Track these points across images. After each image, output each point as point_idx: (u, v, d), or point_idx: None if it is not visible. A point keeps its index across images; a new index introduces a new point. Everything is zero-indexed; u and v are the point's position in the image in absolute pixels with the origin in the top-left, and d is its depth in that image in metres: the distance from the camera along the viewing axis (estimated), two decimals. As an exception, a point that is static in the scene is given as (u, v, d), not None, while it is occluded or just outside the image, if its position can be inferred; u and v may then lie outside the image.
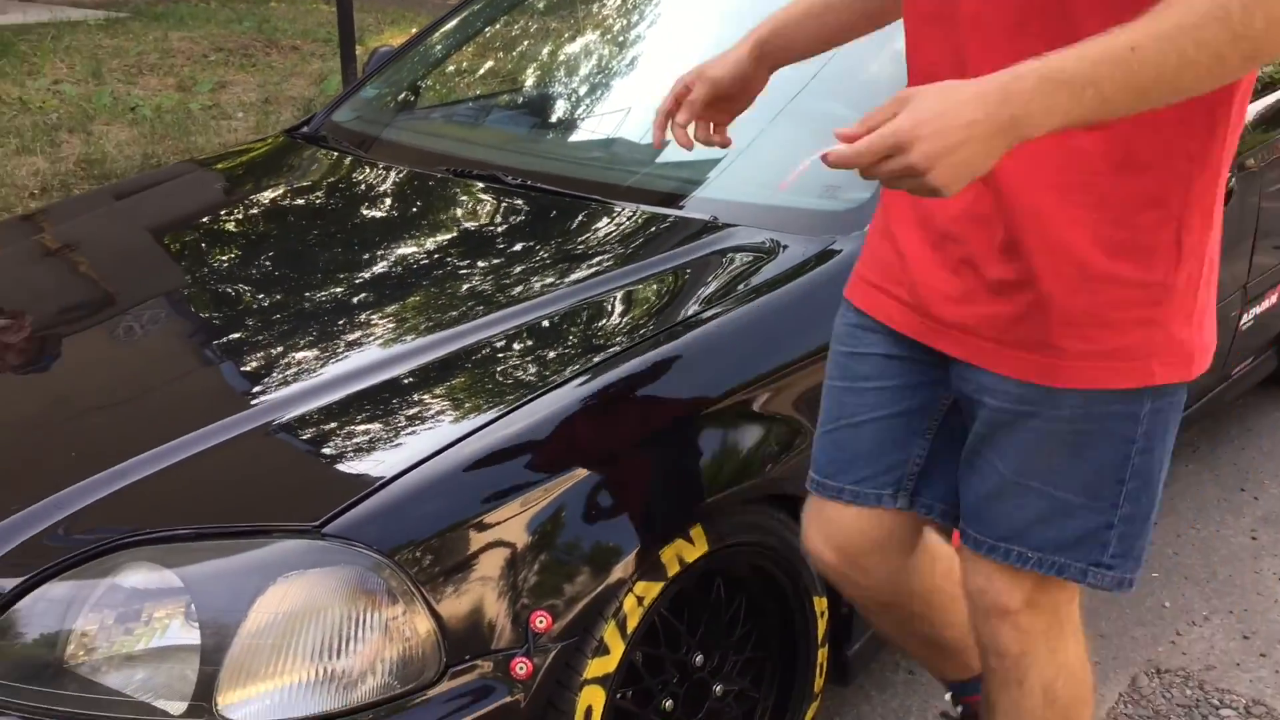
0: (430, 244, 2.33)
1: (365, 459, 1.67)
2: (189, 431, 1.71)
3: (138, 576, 1.52)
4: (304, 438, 1.71)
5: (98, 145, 5.88)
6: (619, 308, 2.01)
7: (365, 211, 2.54)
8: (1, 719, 1.50)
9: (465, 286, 2.10)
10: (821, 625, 2.00)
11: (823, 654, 2.02)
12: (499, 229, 2.36)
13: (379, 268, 2.24)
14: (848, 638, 2.09)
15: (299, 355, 1.93)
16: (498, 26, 3.36)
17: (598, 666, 1.65)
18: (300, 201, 2.66)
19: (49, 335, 2.12)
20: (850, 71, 2.52)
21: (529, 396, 1.72)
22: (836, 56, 2.52)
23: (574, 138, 2.78)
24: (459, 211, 2.45)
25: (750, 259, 2.07)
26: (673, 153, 2.54)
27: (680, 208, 2.26)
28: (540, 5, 3.36)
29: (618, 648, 1.66)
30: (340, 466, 1.67)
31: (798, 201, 2.21)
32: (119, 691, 1.48)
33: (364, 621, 1.50)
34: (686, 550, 1.74)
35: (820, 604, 1.98)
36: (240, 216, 2.63)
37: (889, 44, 2.58)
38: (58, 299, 2.28)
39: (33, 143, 5.85)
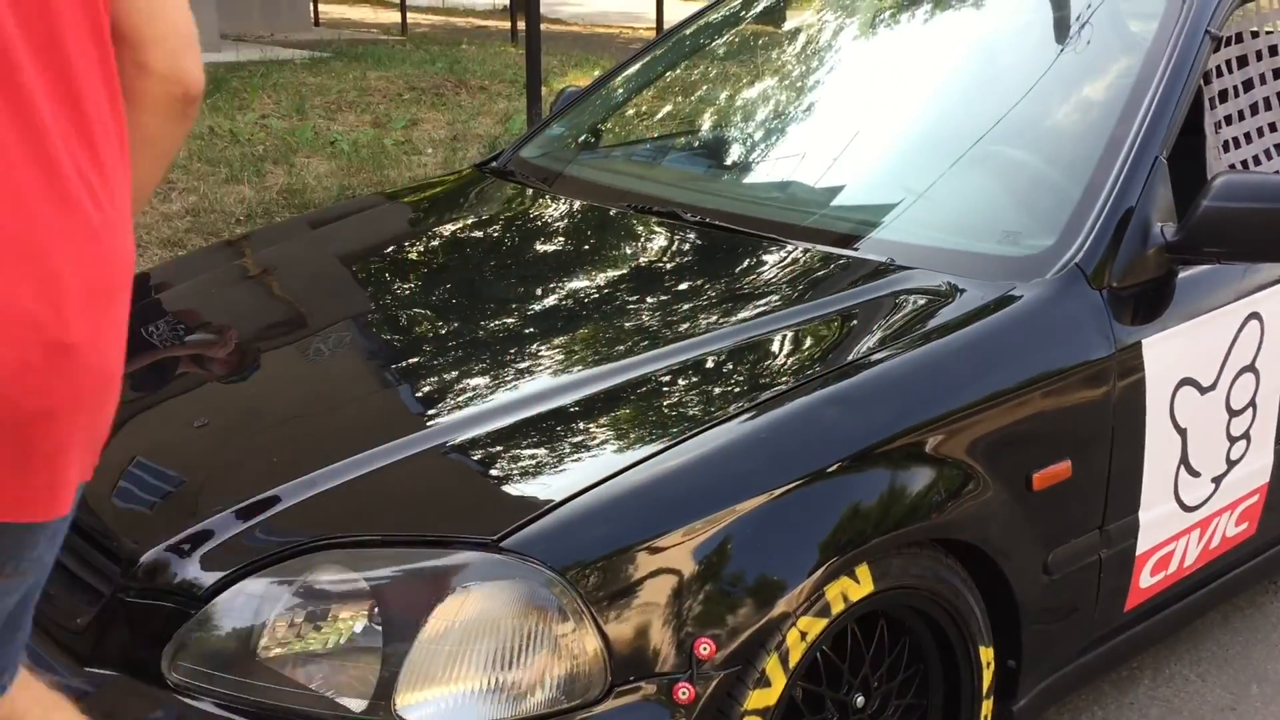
0: (605, 277, 2.40)
1: (538, 480, 1.73)
2: (373, 446, 1.80)
3: (328, 578, 1.61)
4: (478, 458, 1.78)
5: (299, 176, 6.23)
6: (790, 346, 2.03)
7: (545, 243, 2.64)
8: (197, 703, 1.60)
9: (642, 320, 2.16)
10: (987, 677, 1.96)
11: (987, 706, 1.98)
12: (673, 265, 2.41)
13: (553, 299, 2.32)
14: (1013, 692, 2.05)
15: (474, 380, 2.01)
16: (679, 70, 3.44)
17: (759, 698, 1.66)
18: (485, 232, 2.77)
19: (249, 351, 2.27)
20: (1033, 117, 2.49)
21: (699, 428, 1.76)
22: (1022, 101, 2.52)
23: (751, 178, 2.82)
24: (635, 246, 2.52)
25: (926, 302, 2.06)
26: (850, 194, 2.56)
27: (855, 249, 2.27)
28: (720, 51, 3.43)
29: (779, 681, 1.67)
30: (514, 486, 1.75)
31: (977, 246, 2.20)
32: (304, 686, 1.57)
33: (535, 636, 1.55)
34: (852, 589, 1.74)
35: (986, 654, 1.94)
36: (427, 246, 2.76)
37: (1074, 90, 2.56)
38: (256, 318, 2.43)
39: (240, 172, 6.24)
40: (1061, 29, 2.76)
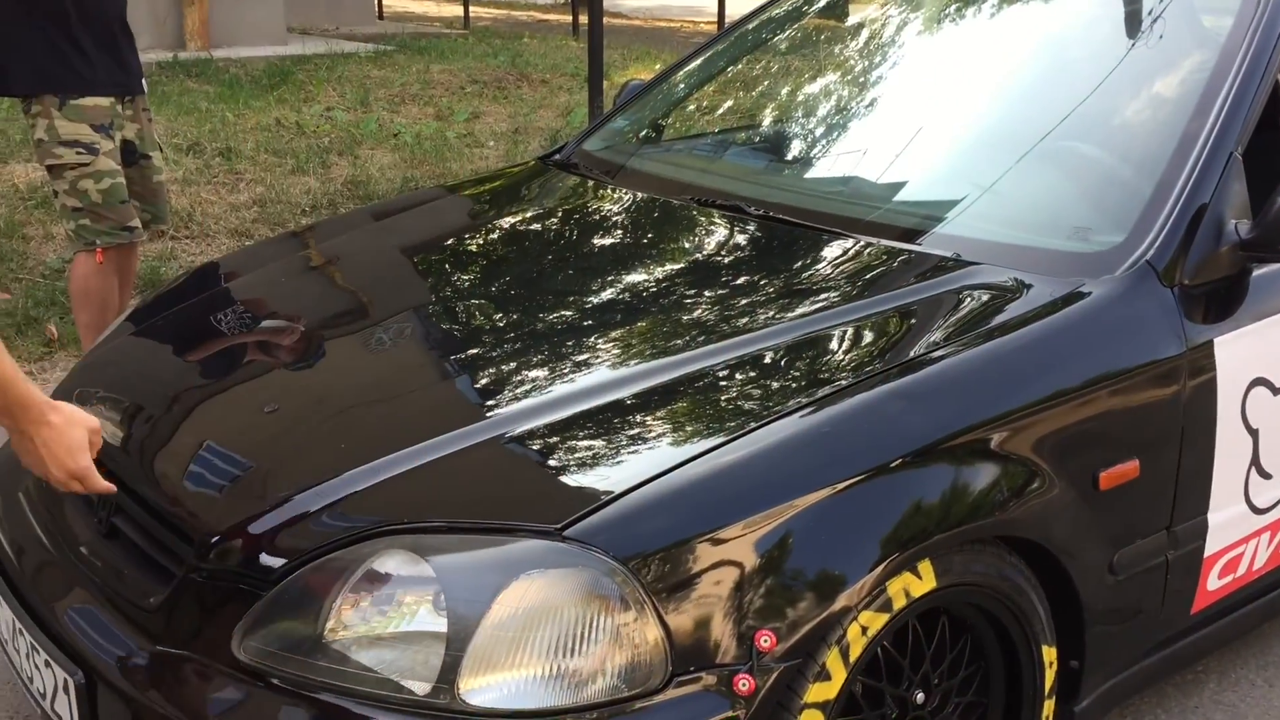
0: (665, 270, 2.40)
1: (600, 471, 1.74)
2: (435, 435, 1.82)
3: (393, 564, 1.63)
4: (541, 448, 1.80)
5: (363, 168, 6.30)
6: (854, 341, 2.02)
7: (606, 236, 2.65)
8: (265, 683, 1.63)
9: (709, 314, 2.16)
10: (1049, 676, 1.94)
11: (1049, 706, 1.96)
12: (735, 258, 2.41)
13: (614, 291, 2.33)
14: (1075, 693, 2.03)
15: (536, 372, 2.02)
16: (742, 65, 3.44)
17: (818, 691, 1.66)
18: (548, 224, 2.79)
19: (314, 339, 2.31)
20: (1103, 112, 2.46)
21: (761, 422, 1.76)
22: (1092, 96, 2.49)
23: (814, 172, 2.81)
24: (696, 239, 2.52)
25: (993, 297, 2.04)
26: (915, 189, 2.54)
27: (920, 244, 2.26)
28: (783, 45, 3.42)
29: (839, 675, 1.67)
30: (576, 476, 1.76)
31: (1045, 242, 2.17)
32: (369, 668, 1.60)
33: (597, 624, 1.56)
34: (914, 585, 1.73)
35: (1049, 654, 1.92)
36: (490, 238, 2.78)
37: (1146, 85, 2.52)
38: (321, 308, 2.47)
39: (306, 164, 6.32)
40: (1133, 23, 2.72)
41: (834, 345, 2.00)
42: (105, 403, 2.18)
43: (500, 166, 5.98)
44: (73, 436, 1.75)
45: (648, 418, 1.84)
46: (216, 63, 9.01)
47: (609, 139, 3.14)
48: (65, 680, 1.78)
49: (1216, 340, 2.05)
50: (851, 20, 3.43)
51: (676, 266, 2.41)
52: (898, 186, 2.53)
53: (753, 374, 1.93)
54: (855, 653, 1.68)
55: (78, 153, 3.35)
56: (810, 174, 2.81)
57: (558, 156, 3.11)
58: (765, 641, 1.59)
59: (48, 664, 1.82)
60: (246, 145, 6.58)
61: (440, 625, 1.57)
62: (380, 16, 13.53)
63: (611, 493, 1.65)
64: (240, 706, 1.63)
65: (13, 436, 1.74)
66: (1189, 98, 2.26)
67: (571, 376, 2.00)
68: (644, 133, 3.20)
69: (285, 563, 1.69)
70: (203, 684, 1.67)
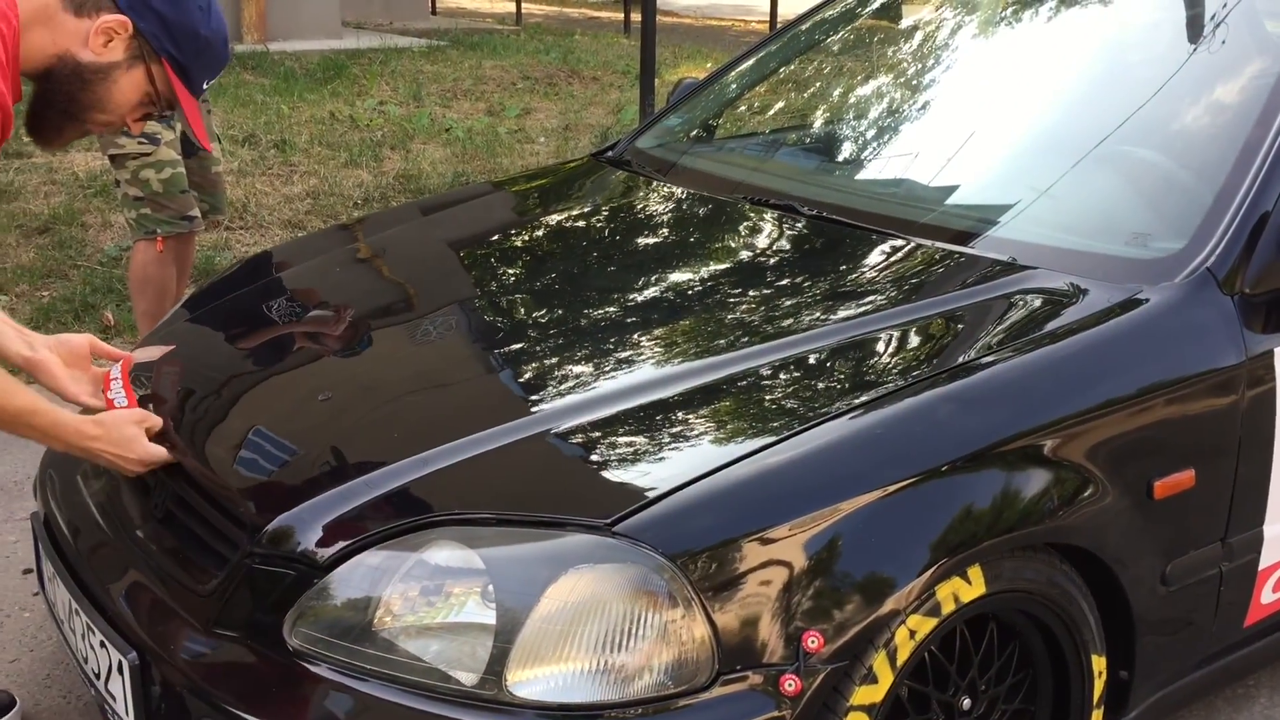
0: (714, 268, 2.40)
1: (650, 468, 1.75)
2: (483, 428, 1.83)
3: (443, 554, 1.64)
4: (590, 444, 1.81)
5: (415, 162, 6.35)
6: (907, 343, 2.02)
7: (656, 233, 2.65)
8: (315, 669, 1.65)
9: (759, 313, 2.15)
10: (1098, 686, 1.92)
11: (1097, 716, 1.94)
12: (785, 258, 2.40)
13: (661, 289, 2.33)
14: (1124, 703, 2.00)
15: (580, 368, 2.03)
16: (795, 65, 3.43)
17: (865, 694, 1.66)
18: (598, 221, 2.80)
19: (363, 329, 2.33)
20: (1163, 117, 2.43)
21: (810, 423, 1.76)
22: (1152, 100, 2.46)
23: (867, 173, 2.79)
24: (747, 238, 2.51)
25: (1049, 302, 2.02)
26: (970, 192, 2.52)
27: (974, 246, 2.24)
28: (836, 46, 3.40)
29: (886, 678, 1.66)
30: (625, 472, 1.76)
31: (1103, 247, 2.15)
32: (418, 658, 1.61)
33: (644, 620, 1.56)
34: (964, 590, 1.72)
35: (1099, 663, 1.91)
36: (540, 233, 2.80)
37: (1207, 91, 2.48)
38: (371, 299, 2.49)
39: (359, 157, 6.38)
40: (1195, 28, 2.68)
41: (885, 348, 1.99)
42: (160, 388, 2.21)
43: (553, 163, 6.00)
44: (123, 435, 1.91)
45: (695, 416, 1.84)
46: (272, 55, 9.11)
47: (661, 137, 3.15)
48: (120, 661, 1.81)
49: (1277, 350, 2.02)
50: (905, 22, 3.41)
51: (726, 265, 2.41)
52: (952, 189, 2.51)
53: (801, 375, 1.93)
54: (903, 656, 1.68)
55: (140, 142, 3.40)
56: (863, 175, 2.79)
57: (610, 153, 3.12)
58: (813, 642, 1.59)
59: (103, 644, 1.85)
60: (301, 138, 6.65)
61: (489, 617, 1.58)
62: (433, 12, 13.62)
63: (661, 489, 1.66)
64: (290, 692, 1.65)
65: (85, 457, 1.91)
66: (1252, 104, 2.23)
67: (619, 373, 2.00)
68: (696, 131, 3.20)
69: (337, 551, 1.70)
70: (254, 669, 1.69)
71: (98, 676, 1.89)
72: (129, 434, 1.92)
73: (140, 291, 3.61)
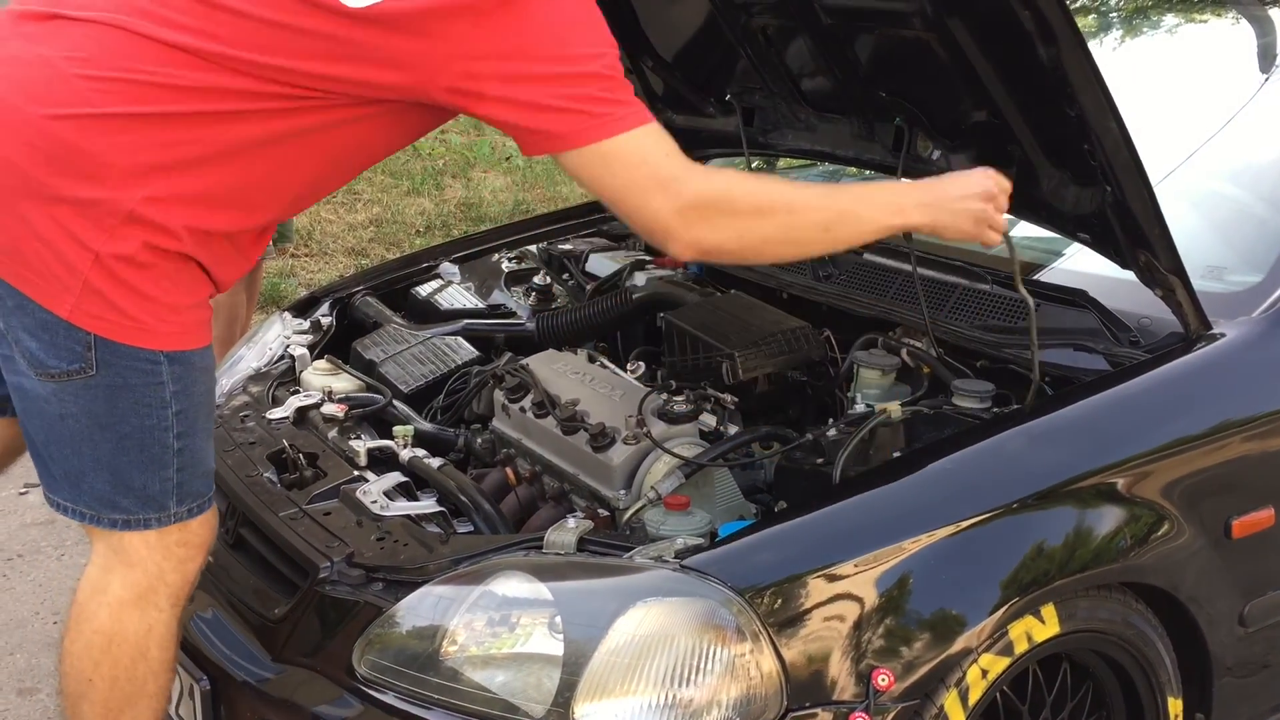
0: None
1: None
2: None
3: (510, 586, 1.65)
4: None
5: (476, 190, 6.41)
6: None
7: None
8: (382, 697, 1.66)
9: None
10: (1174, 729, 1.88)
11: (1172, 760, 1.90)
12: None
13: None
14: (1201, 747, 1.96)
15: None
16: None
17: (936, 733, 1.63)
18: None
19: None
20: (1237, 149, 2.39)
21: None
22: (1224, 131, 2.42)
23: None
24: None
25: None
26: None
27: (1041, 279, 2.21)
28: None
29: (957, 717, 1.64)
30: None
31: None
32: (485, 688, 1.61)
33: (712, 654, 1.55)
34: (1037, 629, 1.69)
35: (1175, 706, 1.86)
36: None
37: (1278, 127, 2.44)
38: None
39: (421, 185, 6.45)
40: (1267, 57, 2.64)
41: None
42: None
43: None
44: (963, 178, 1.78)
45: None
46: (336, 86, 9.24)
47: (724, 165, 3.14)
48: (191, 686, 1.83)
49: (1358, 386, 1.97)
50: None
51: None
52: (1011, 221, 2.48)
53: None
54: (974, 696, 1.65)
55: None
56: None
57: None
58: (883, 680, 1.57)
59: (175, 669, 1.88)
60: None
61: (556, 648, 1.58)
62: (493, 42, 13.74)
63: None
64: (358, 720, 1.66)
65: (935, 230, 1.76)
66: (1330, 134, 2.19)
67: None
68: (756, 164, 3.20)
69: (407, 579, 1.72)
70: (322, 696, 1.70)
71: (169, 700, 1.91)
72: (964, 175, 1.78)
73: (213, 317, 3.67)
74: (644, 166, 1.59)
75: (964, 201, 1.74)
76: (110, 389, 1.60)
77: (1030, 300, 1.88)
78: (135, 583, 1.69)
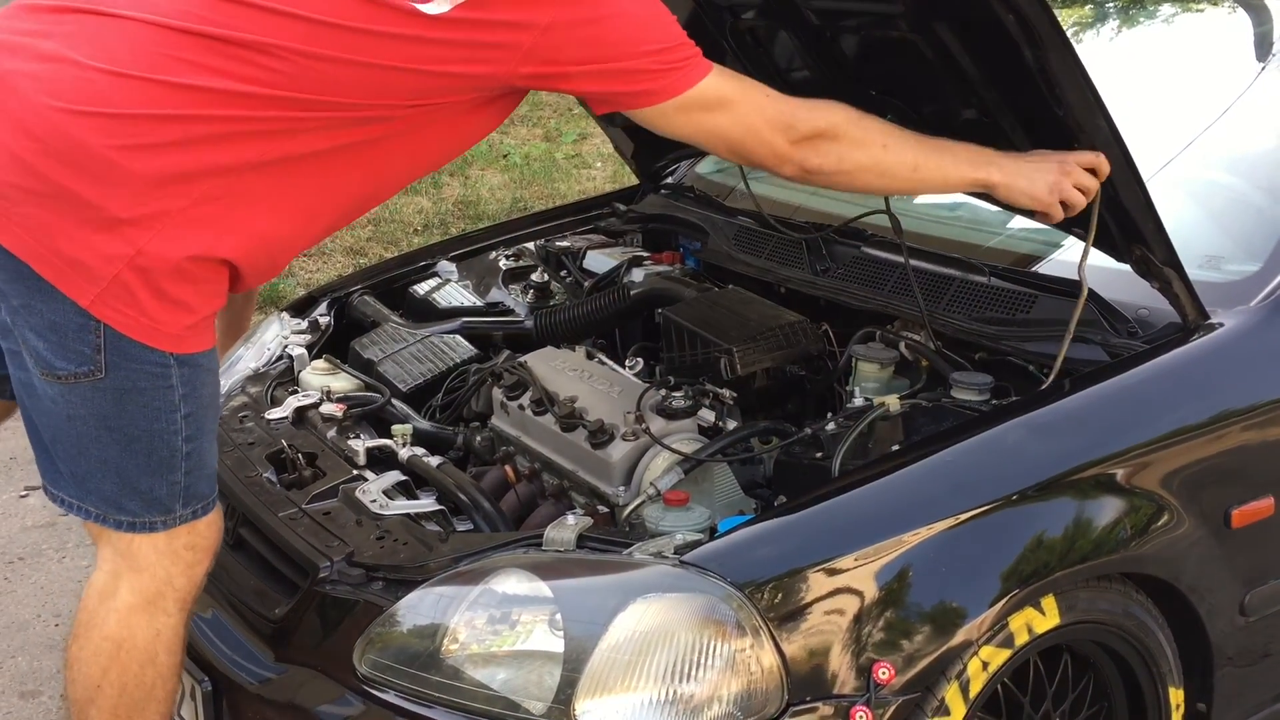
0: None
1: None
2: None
3: (511, 583, 1.65)
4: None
5: (473, 188, 6.41)
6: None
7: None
8: (383, 695, 1.66)
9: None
10: (1175, 719, 1.88)
11: (1175, 750, 1.90)
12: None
13: None
14: (1203, 738, 1.96)
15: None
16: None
17: (937, 727, 1.63)
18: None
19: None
20: (1233, 138, 2.39)
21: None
22: (1218, 123, 2.41)
23: (930, 196, 2.76)
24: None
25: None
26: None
27: (1040, 270, 2.21)
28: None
29: (959, 710, 1.64)
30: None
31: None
32: (486, 686, 1.61)
33: (712, 650, 1.55)
34: (1037, 620, 1.69)
35: (1176, 696, 1.86)
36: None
37: (1276, 111, 2.44)
38: None
39: (419, 184, 6.44)
40: (1263, 46, 2.64)
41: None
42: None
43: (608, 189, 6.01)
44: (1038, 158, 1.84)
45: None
46: (333, 85, 9.24)
47: (721, 162, 3.14)
48: (193, 687, 1.83)
49: (1358, 374, 1.97)
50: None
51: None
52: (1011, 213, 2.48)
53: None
54: (975, 688, 1.65)
55: None
56: (924, 198, 2.77)
57: (670, 179, 3.12)
58: (883, 674, 1.57)
59: None
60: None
61: (557, 645, 1.58)
62: (490, 39, 13.74)
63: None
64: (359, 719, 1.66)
65: (999, 191, 1.83)
66: (1328, 122, 2.18)
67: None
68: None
69: (407, 578, 1.72)
70: (324, 696, 1.71)
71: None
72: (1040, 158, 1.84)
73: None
74: (745, 100, 1.70)
75: (1041, 170, 1.80)
76: (119, 392, 1.59)
77: (1085, 287, 1.90)
78: (143, 588, 1.69)
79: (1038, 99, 1.79)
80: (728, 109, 1.70)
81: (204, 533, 1.72)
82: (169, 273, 1.56)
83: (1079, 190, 1.80)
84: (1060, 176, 1.80)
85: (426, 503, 1.91)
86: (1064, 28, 2.95)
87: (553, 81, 1.68)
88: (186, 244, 1.56)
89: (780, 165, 1.76)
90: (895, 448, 1.83)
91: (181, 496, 1.67)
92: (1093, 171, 1.80)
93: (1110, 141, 1.75)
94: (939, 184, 1.87)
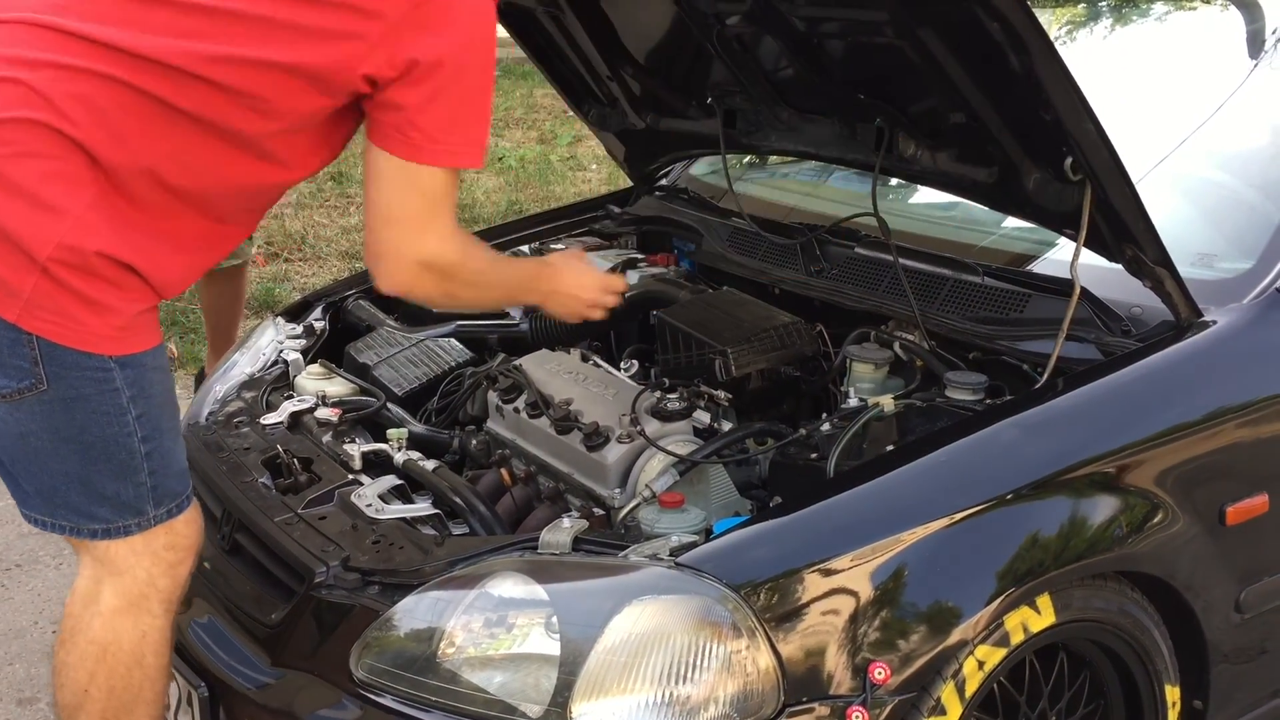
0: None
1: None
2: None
3: (507, 586, 1.65)
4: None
5: (469, 191, 6.41)
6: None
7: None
8: (380, 700, 1.66)
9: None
10: (1172, 717, 1.88)
11: (1171, 747, 1.90)
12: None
13: None
14: (1199, 734, 1.96)
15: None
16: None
17: (933, 726, 1.64)
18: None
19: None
20: (1226, 135, 2.39)
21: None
22: (1211, 121, 2.42)
23: (921, 197, 2.77)
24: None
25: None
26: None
27: (1034, 270, 2.22)
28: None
29: (955, 710, 1.64)
30: (687, 502, 1.76)
31: (1168, 268, 2.11)
32: (482, 689, 1.61)
33: (708, 651, 1.56)
34: (1033, 619, 1.70)
35: (1173, 694, 1.87)
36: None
37: (1270, 108, 2.44)
38: None
39: (414, 188, 6.44)
40: (1255, 44, 2.64)
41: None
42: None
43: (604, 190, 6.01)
44: (574, 265, 2.06)
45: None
46: (328, 89, 9.24)
47: (715, 164, 3.15)
48: (189, 693, 1.83)
49: (1351, 371, 1.97)
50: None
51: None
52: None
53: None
54: (971, 688, 1.65)
55: None
56: (918, 199, 2.77)
57: (664, 181, 3.12)
58: (879, 674, 1.58)
59: (173, 676, 1.88)
60: (357, 169, 6.73)
61: (553, 648, 1.58)
62: (484, 42, 13.74)
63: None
64: (356, 723, 1.66)
65: (546, 305, 2.06)
66: (1320, 120, 2.19)
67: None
68: (749, 158, 3.20)
69: (403, 582, 1.72)
70: (321, 701, 1.70)
71: (168, 708, 1.91)
72: (577, 264, 2.05)
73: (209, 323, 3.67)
74: (420, 200, 1.68)
75: (572, 294, 2.02)
76: (66, 402, 1.59)
77: (1078, 286, 1.90)
78: (126, 590, 1.69)
79: (1025, 104, 1.80)
80: (428, 200, 1.68)
81: (182, 531, 1.72)
82: (82, 276, 1.56)
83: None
84: (586, 296, 2.01)
85: (422, 506, 1.91)
86: (1057, 28, 2.98)
87: (385, 91, 1.64)
88: (89, 243, 1.55)
89: (397, 266, 1.72)
90: (890, 448, 1.83)
91: (151, 497, 1.67)
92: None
93: (1098, 145, 1.76)
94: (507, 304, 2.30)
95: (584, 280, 2.02)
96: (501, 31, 1.89)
